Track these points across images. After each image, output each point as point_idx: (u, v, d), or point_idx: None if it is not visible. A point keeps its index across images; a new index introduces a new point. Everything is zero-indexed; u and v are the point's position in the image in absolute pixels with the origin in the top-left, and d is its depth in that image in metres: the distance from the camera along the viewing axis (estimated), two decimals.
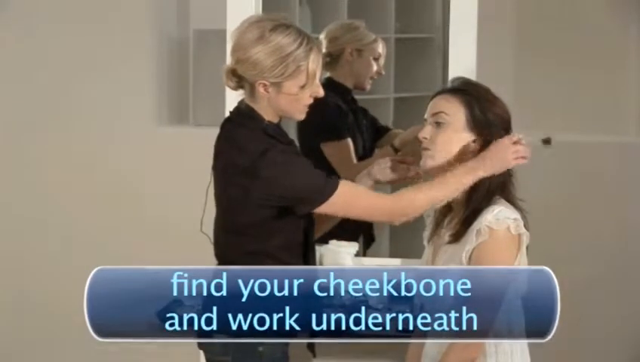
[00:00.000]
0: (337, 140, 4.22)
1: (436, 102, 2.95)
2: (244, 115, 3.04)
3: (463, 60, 3.97)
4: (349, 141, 4.22)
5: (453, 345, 2.83)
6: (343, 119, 4.29)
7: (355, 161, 4.19)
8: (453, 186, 2.92)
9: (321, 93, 3.03)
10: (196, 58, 4.80)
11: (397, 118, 4.67)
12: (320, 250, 4.09)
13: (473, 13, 3.98)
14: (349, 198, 2.99)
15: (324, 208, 2.99)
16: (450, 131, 2.90)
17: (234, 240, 3.05)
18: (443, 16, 4.44)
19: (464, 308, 2.82)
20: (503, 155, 2.88)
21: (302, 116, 3.07)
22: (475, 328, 2.81)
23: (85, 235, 4.86)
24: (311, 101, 3.04)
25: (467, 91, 2.92)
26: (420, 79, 4.65)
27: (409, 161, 3.19)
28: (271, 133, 3.00)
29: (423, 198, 2.96)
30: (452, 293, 2.86)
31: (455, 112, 2.90)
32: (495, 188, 2.87)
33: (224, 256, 3.10)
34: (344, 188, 2.99)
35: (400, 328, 3.76)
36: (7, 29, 4.91)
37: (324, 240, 4.10)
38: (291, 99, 3.00)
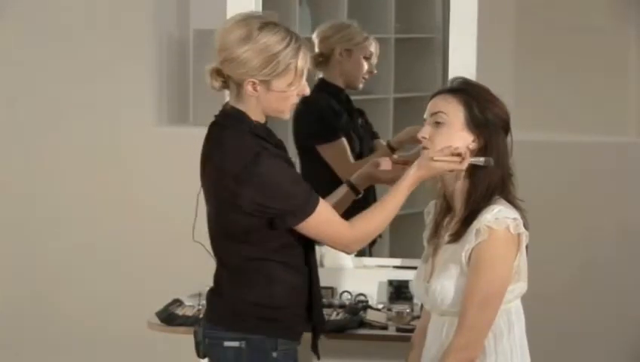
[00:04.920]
0: (332, 141, 4.23)
1: (435, 101, 2.94)
2: (230, 116, 3.02)
3: (463, 60, 3.97)
4: (344, 140, 4.22)
5: (452, 345, 2.83)
6: (335, 119, 4.29)
7: (352, 160, 4.20)
8: (398, 201, 3.00)
9: (307, 91, 3.03)
10: (196, 58, 4.80)
11: (397, 118, 4.67)
12: (320, 250, 4.10)
13: (473, 13, 3.98)
14: (323, 221, 2.98)
15: (303, 227, 2.97)
16: (449, 131, 2.90)
17: (232, 247, 3.03)
18: (443, 16, 4.44)
19: (464, 308, 2.82)
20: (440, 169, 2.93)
21: (288, 115, 3.05)
22: (474, 327, 2.81)
23: (85, 235, 4.87)
24: (297, 100, 3.03)
25: (466, 91, 2.92)
26: (420, 79, 4.66)
27: (406, 161, 3.18)
28: (259, 133, 2.98)
29: (375, 224, 3.02)
30: (452, 293, 2.87)
31: (454, 112, 2.90)
32: (495, 188, 2.87)
33: (226, 261, 3.07)
34: (322, 209, 2.98)
35: (400, 328, 3.77)
36: (8, 29, 4.91)
37: None
38: (280, 97, 2.98)
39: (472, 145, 2.90)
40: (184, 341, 3.46)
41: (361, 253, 4.23)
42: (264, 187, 2.91)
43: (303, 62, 2.97)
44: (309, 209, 2.95)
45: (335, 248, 3.07)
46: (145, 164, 4.81)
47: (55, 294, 4.90)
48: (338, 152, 4.21)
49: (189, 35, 4.86)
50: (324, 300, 3.99)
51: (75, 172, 4.87)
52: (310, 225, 2.97)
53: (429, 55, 4.65)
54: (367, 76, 4.35)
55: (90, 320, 4.86)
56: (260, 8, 4.08)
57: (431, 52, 4.64)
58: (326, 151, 4.22)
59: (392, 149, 3.99)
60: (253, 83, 2.95)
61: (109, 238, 4.83)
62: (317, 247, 4.06)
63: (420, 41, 4.71)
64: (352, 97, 4.49)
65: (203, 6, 4.82)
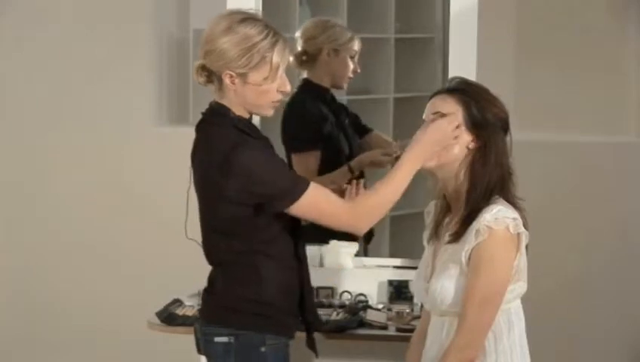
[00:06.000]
0: (303, 151, 4.19)
1: (434, 102, 2.95)
2: (214, 112, 3.05)
3: (463, 60, 3.97)
4: (317, 154, 4.18)
5: (452, 345, 2.83)
6: (320, 127, 4.25)
7: (316, 175, 4.14)
8: (402, 176, 2.96)
9: (288, 87, 3.04)
10: (196, 58, 4.78)
11: (397, 118, 4.67)
12: (320, 249, 4.10)
13: (473, 13, 3.98)
14: (317, 202, 2.97)
15: (293, 209, 2.97)
16: None
17: (221, 242, 3.04)
18: (443, 16, 4.44)
19: (464, 308, 2.82)
20: (441, 131, 2.89)
21: (270, 112, 3.06)
22: (474, 328, 2.81)
23: (85, 235, 4.87)
24: (280, 97, 3.04)
25: (464, 91, 2.92)
26: (420, 79, 4.66)
27: (343, 191, 3.15)
28: (241, 127, 3.01)
29: (378, 199, 2.99)
30: (452, 293, 2.87)
31: (452, 112, 2.90)
32: (494, 188, 2.88)
33: (217, 258, 3.09)
34: (314, 190, 2.98)
35: (400, 328, 3.77)
36: (9, 31, 4.91)
37: (325, 239, 4.11)
38: (257, 91, 2.99)
39: (472, 145, 2.90)
40: (184, 341, 3.46)
41: (360, 253, 4.23)
42: (250, 173, 2.92)
43: (279, 56, 2.98)
44: (297, 190, 2.95)
45: (339, 228, 3.02)
46: (145, 164, 4.81)
47: (55, 294, 4.90)
48: (306, 165, 4.16)
49: (189, 35, 4.86)
50: (323, 300, 4.00)
51: (75, 172, 4.87)
52: (303, 206, 2.96)
53: (429, 55, 4.65)
54: (352, 75, 4.33)
55: (90, 320, 4.86)
56: (260, 8, 4.08)
57: (431, 52, 4.64)
58: (296, 160, 4.18)
59: (351, 171, 4.00)
60: (231, 75, 2.98)
61: (109, 238, 4.83)
62: (317, 247, 4.06)
63: (420, 41, 4.71)
64: (352, 98, 4.49)
65: (203, 6, 4.82)
